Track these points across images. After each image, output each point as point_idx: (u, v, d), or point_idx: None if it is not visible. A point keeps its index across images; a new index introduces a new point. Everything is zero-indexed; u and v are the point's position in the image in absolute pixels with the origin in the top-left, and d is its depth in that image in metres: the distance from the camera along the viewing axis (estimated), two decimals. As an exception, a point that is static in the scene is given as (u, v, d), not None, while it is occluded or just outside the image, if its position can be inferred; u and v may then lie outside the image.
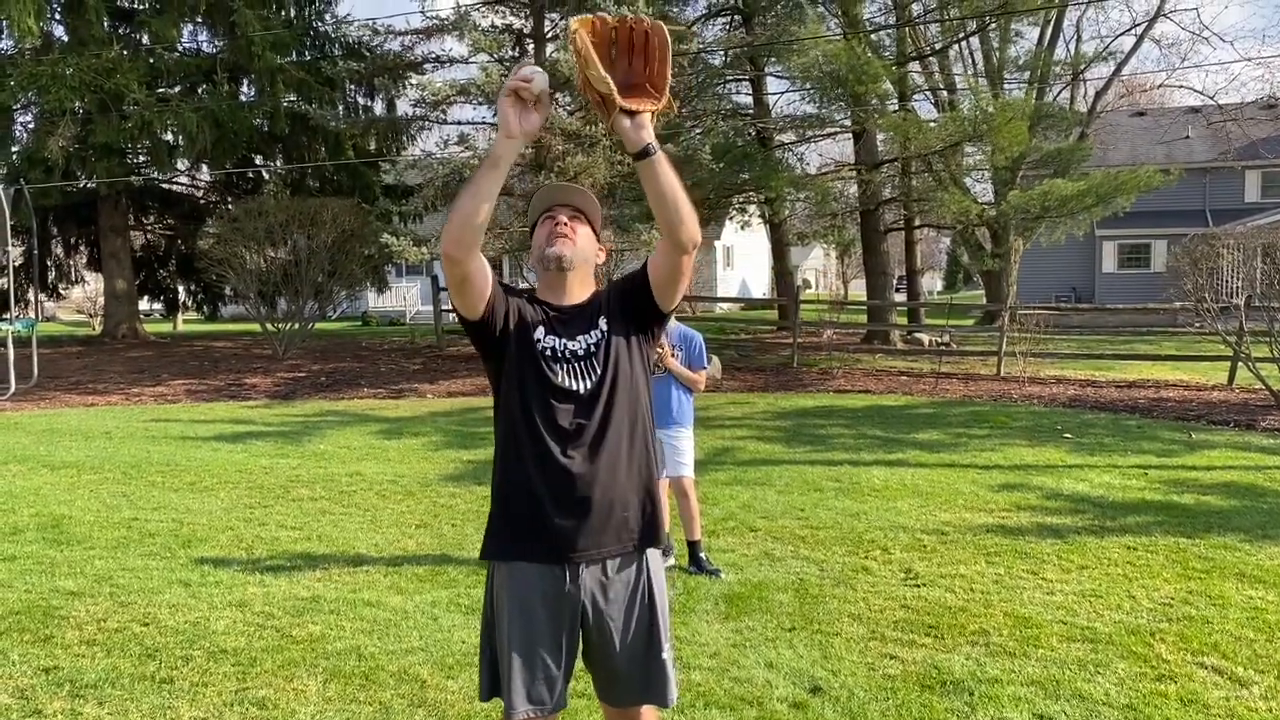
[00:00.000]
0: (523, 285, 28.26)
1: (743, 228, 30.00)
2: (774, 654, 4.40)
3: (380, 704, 3.92)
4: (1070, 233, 22.11)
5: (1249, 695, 3.96)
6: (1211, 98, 30.06)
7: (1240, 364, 14.30)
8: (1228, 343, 14.56)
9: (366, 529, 6.76)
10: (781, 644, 4.53)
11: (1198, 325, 15.57)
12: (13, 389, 15.00)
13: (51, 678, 4.20)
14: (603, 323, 2.56)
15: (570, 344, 2.53)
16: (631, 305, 2.57)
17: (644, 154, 2.31)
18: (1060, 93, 25.35)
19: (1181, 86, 46.52)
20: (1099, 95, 26.40)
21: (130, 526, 6.84)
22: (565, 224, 2.55)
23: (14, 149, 21.75)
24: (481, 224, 2.36)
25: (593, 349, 2.54)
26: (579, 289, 2.61)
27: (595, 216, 2.67)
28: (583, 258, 2.59)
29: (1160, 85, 34.08)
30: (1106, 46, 25.03)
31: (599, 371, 2.52)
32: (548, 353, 2.51)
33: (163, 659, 4.39)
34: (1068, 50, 25.83)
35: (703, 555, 5.74)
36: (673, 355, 5.68)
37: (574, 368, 2.51)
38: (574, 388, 2.49)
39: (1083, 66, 24.71)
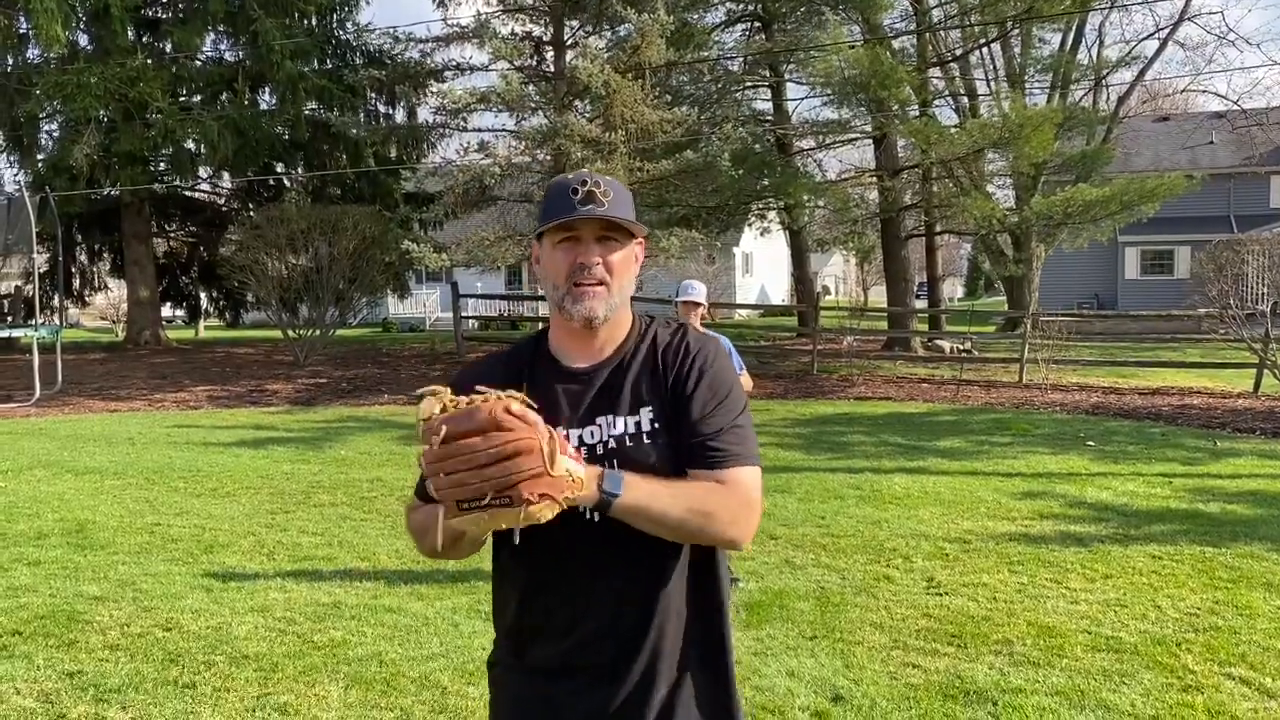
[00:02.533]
0: (541, 291, 28.34)
1: (762, 234, 29.92)
2: (795, 662, 4.38)
3: (401, 710, 3.92)
4: (1093, 239, 21.96)
5: (1277, 706, 3.90)
6: (1236, 102, 29.83)
7: (1266, 371, 14.15)
8: (1253, 350, 14.43)
9: (387, 535, 6.77)
10: (803, 652, 4.51)
11: (1222, 332, 15.44)
12: (37, 395, 15.13)
13: (75, 682, 4.22)
14: (644, 410, 1.77)
15: (585, 433, 1.75)
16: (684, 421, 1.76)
17: (603, 506, 1.59)
18: (1083, 98, 25.16)
19: (1205, 91, 46.20)
20: (1122, 100, 26.21)
21: (153, 532, 6.88)
22: (597, 266, 1.74)
23: (40, 157, 21.99)
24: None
25: (628, 442, 1.75)
26: (611, 334, 1.82)
27: (630, 214, 1.80)
28: (621, 301, 1.79)
29: (1184, 90, 33.79)
30: (1130, 50, 24.85)
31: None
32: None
33: (185, 664, 4.41)
34: (1090, 55, 25.67)
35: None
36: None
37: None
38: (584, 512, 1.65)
39: (1105, 71, 24.54)
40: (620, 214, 1.75)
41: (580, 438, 1.73)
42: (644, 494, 1.61)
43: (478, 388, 1.50)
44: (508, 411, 1.45)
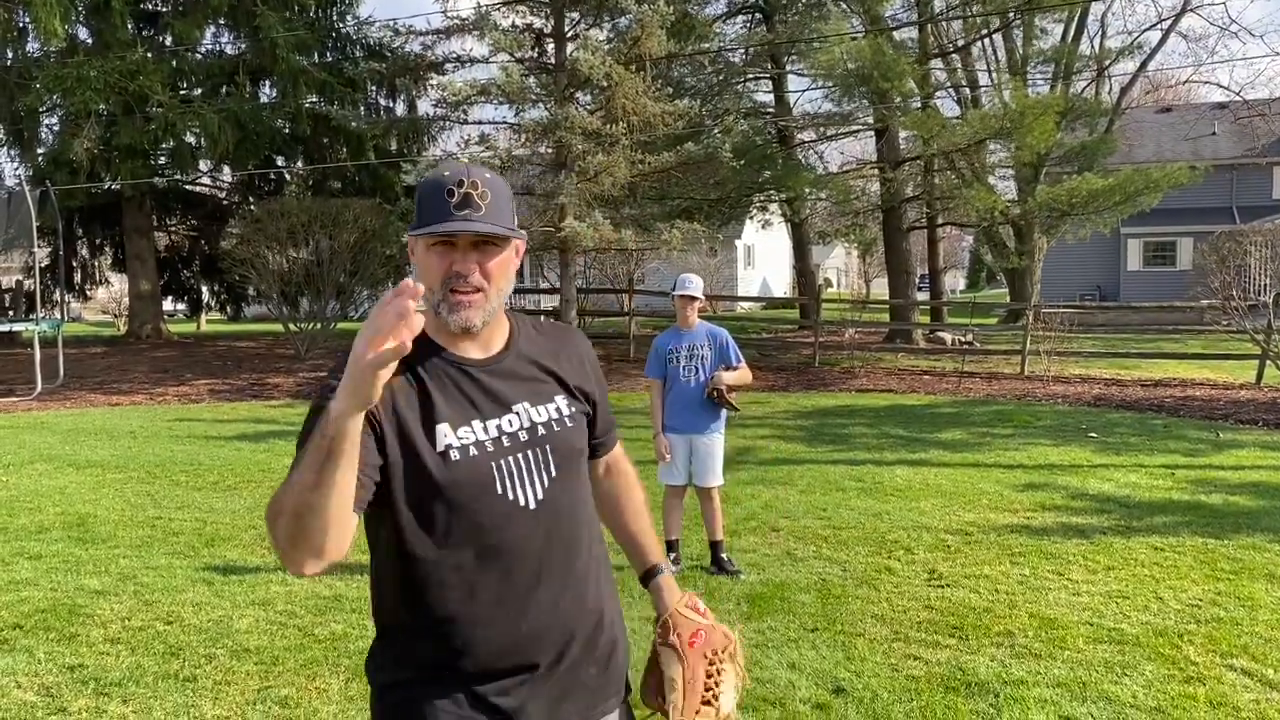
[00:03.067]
0: (543, 285, 28.21)
1: (763, 227, 29.89)
2: (796, 654, 4.37)
3: (402, 703, 3.91)
4: (1095, 230, 21.92)
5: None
6: (1238, 93, 29.80)
7: (1269, 362, 14.13)
8: (1256, 340, 14.41)
9: (388, 528, 6.76)
10: (804, 644, 4.50)
11: (1225, 323, 15.43)
12: (39, 389, 15.13)
13: (76, 675, 4.22)
14: (557, 398, 1.81)
15: (501, 423, 1.72)
16: (589, 412, 1.89)
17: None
18: (1085, 89, 25.10)
19: (1208, 82, 46.10)
20: (1124, 91, 26.16)
21: (154, 525, 6.88)
22: (474, 274, 1.67)
23: (40, 151, 21.96)
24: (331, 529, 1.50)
25: (555, 427, 1.78)
26: (493, 331, 1.77)
27: (509, 215, 1.72)
28: (498, 304, 1.74)
29: (1186, 81, 33.79)
30: (1133, 41, 24.76)
31: (553, 471, 1.75)
32: (467, 455, 1.67)
33: (186, 657, 4.41)
34: (1092, 46, 25.63)
35: (724, 555, 5.72)
36: (705, 361, 5.66)
37: (515, 465, 1.71)
38: (521, 500, 1.70)
39: (1108, 62, 24.46)
40: (499, 219, 1.68)
41: (499, 427, 1.71)
42: (656, 539, 2.03)
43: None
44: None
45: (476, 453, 1.68)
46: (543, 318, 1.67)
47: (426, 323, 1.55)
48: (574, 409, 1.82)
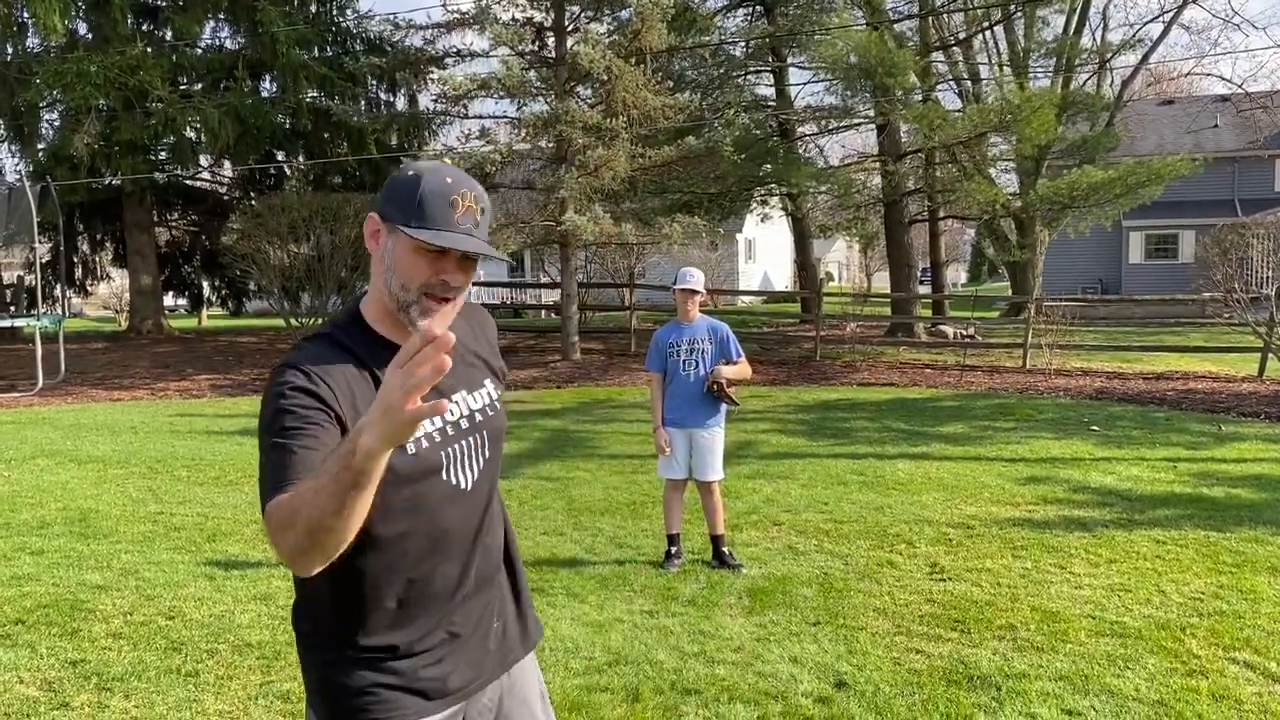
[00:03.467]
0: (544, 279, 28.10)
1: (763, 221, 29.85)
2: (798, 648, 4.37)
3: (404, 698, 3.91)
4: (1097, 223, 21.89)
5: (1283, 691, 3.89)
6: (1240, 85, 29.74)
7: (1271, 355, 14.12)
8: (1258, 334, 14.40)
9: (390, 523, 6.76)
10: (806, 638, 4.50)
11: (1227, 316, 15.41)
12: (40, 384, 15.14)
13: (79, 670, 4.22)
14: (485, 382, 1.91)
15: (451, 408, 1.80)
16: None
17: None
18: (1086, 81, 25.04)
19: (1210, 75, 45.99)
20: (1126, 84, 26.10)
21: (156, 521, 6.88)
22: (459, 287, 1.72)
23: (40, 146, 21.95)
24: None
25: (489, 413, 1.88)
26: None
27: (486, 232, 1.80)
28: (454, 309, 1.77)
29: (1188, 74, 33.63)
30: (1134, 34, 24.72)
31: (487, 454, 1.86)
32: (424, 443, 1.75)
33: (188, 652, 4.41)
34: (1094, 38, 25.57)
35: (726, 550, 5.71)
36: (706, 355, 5.66)
37: (457, 452, 1.80)
38: (459, 483, 1.80)
39: (1110, 54, 24.42)
40: (487, 237, 1.77)
41: (444, 417, 1.77)
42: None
43: None
44: None
45: (427, 444, 1.75)
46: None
47: (373, 313, 1.75)
48: (498, 392, 1.94)
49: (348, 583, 1.72)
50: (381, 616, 1.74)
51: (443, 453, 1.77)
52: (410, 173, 1.73)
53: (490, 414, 1.88)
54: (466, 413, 1.83)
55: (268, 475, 1.58)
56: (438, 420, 1.74)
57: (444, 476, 1.77)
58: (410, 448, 1.70)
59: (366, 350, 1.72)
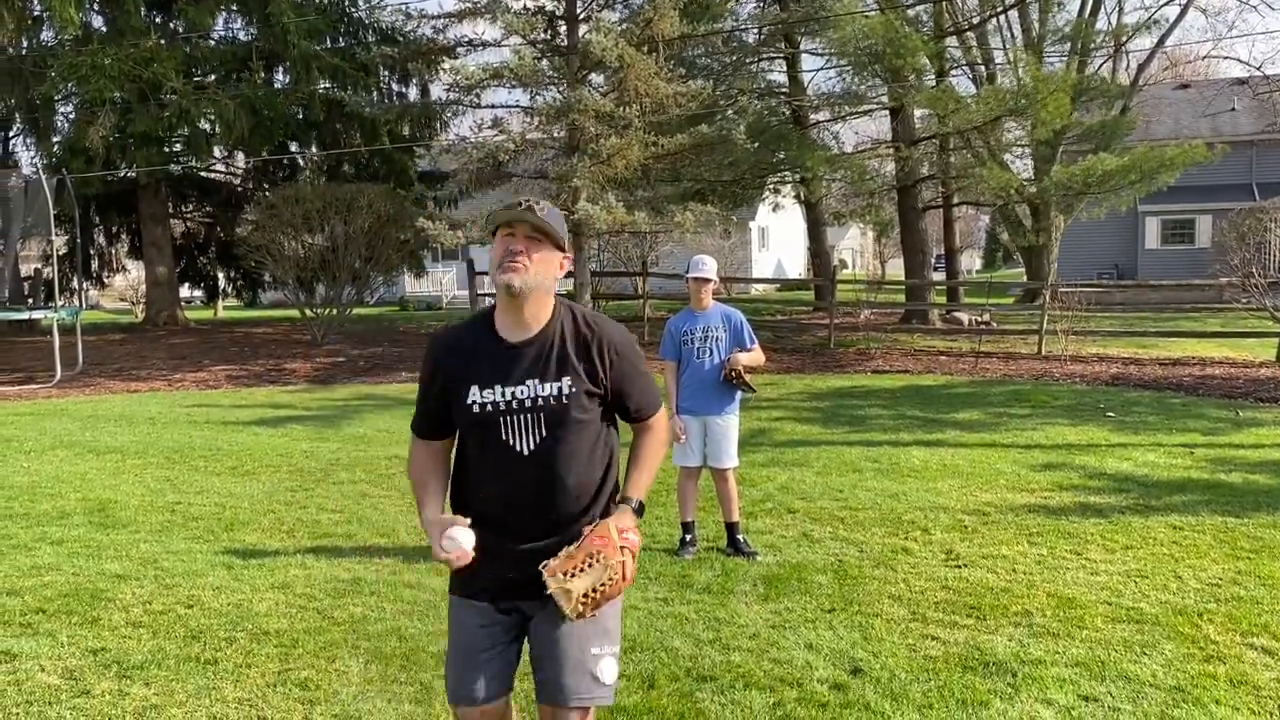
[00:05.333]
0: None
1: (775, 210, 29.75)
2: (814, 635, 4.38)
3: (421, 685, 3.94)
4: (1113, 209, 21.73)
5: (1301, 677, 3.88)
6: (1258, 68, 29.41)
7: (1289, 340, 14.01)
8: (1275, 318, 14.30)
9: (406, 512, 6.80)
10: (821, 625, 4.50)
11: (1244, 301, 15.30)
12: (58, 376, 15.25)
13: (99, 659, 4.26)
14: (563, 379, 2.47)
15: (514, 390, 2.46)
16: (605, 395, 2.54)
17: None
18: (1102, 65, 24.84)
19: (1227, 58, 45.54)
20: (1142, 68, 25.88)
21: (174, 510, 6.93)
22: (521, 252, 2.42)
23: (56, 139, 22.05)
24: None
25: (544, 401, 2.46)
26: (532, 312, 2.49)
27: (558, 234, 2.49)
28: (535, 284, 2.44)
29: (1205, 56, 33.38)
30: (1150, 16, 24.48)
31: (544, 430, 2.46)
32: (483, 409, 2.47)
33: (207, 640, 4.45)
34: (1109, 21, 25.34)
35: (740, 537, 5.72)
36: (720, 343, 5.65)
37: (515, 422, 2.46)
38: (516, 446, 2.46)
39: (1125, 38, 24.19)
40: (550, 229, 2.47)
41: (514, 393, 2.46)
42: (644, 490, 2.58)
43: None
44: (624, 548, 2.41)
45: (490, 409, 2.47)
46: (589, 309, 2.26)
47: (495, 309, 2.54)
48: (575, 389, 2.47)
49: (457, 487, 2.62)
50: (463, 499, 2.60)
51: (500, 419, 2.46)
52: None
53: (552, 402, 2.46)
54: (530, 395, 2.45)
55: (418, 411, 2.66)
56: (505, 394, 2.46)
57: (502, 437, 2.47)
58: (474, 408, 2.48)
59: (483, 331, 2.54)
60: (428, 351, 2.59)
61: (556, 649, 2.50)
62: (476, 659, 2.55)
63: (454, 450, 2.63)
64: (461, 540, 2.42)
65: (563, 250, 2.52)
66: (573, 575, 2.35)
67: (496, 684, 2.56)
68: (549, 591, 2.36)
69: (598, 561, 2.37)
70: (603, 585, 2.37)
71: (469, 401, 2.47)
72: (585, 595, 2.36)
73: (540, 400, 2.45)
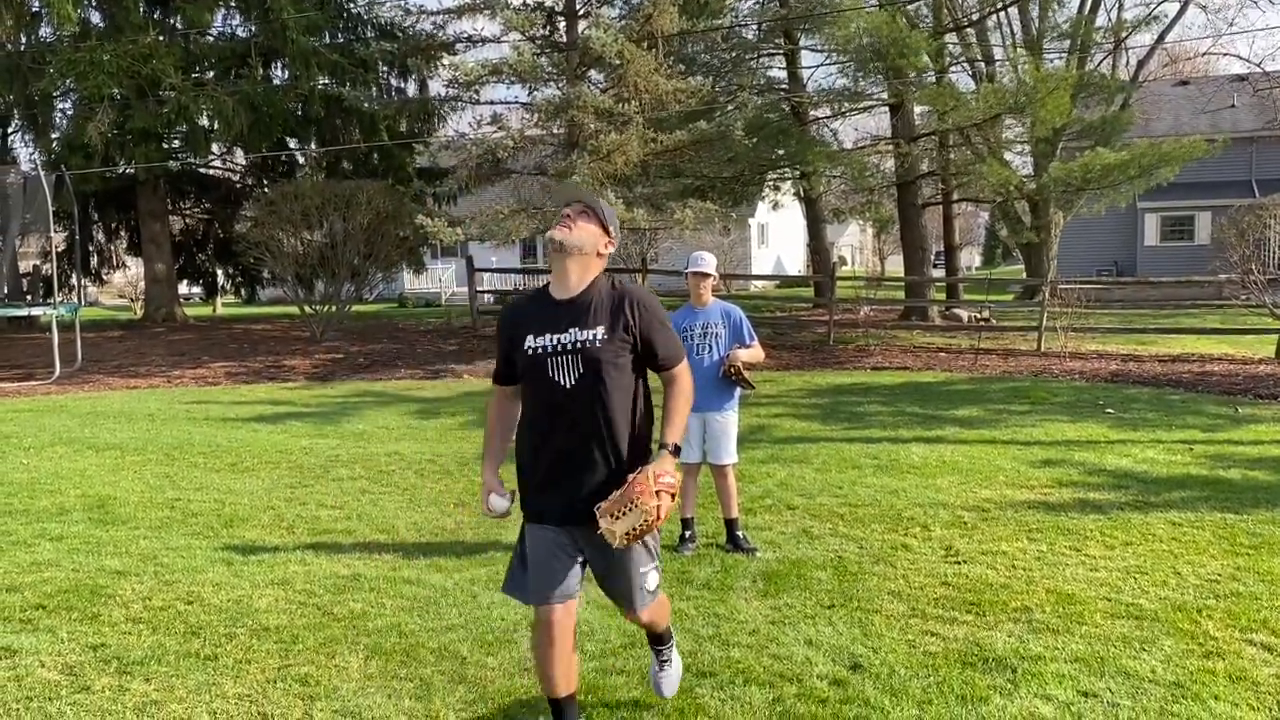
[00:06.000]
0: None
1: (775, 207, 29.73)
2: (813, 631, 4.38)
3: (421, 680, 3.94)
4: (1112, 205, 21.72)
5: (1300, 673, 3.88)
6: (1258, 65, 29.40)
7: (1288, 337, 14.01)
8: (1275, 315, 14.31)
9: (406, 508, 6.80)
10: (821, 621, 4.51)
11: (1244, 298, 15.30)
12: (57, 372, 15.25)
13: (99, 655, 4.27)
14: (598, 327, 3.12)
15: (560, 337, 3.11)
16: (634, 343, 3.16)
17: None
18: (1101, 62, 24.81)
19: (1226, 54, 45.47)
20: (1141, 64, 25.86)
21: (173, 507, 6.93)
22: (570, 217, 3.14)
23: (55, 136, 22.03)
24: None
25: (582, 344, 3.11)
26: (577, 275, 3.15)
27: (607, 218, 3.20)
28: (577, 244, 3.12)
29: (1205, 53, 33.40)
30: (1150, 12, 24.44)
31: (581, 368, 3.10)
32: (536, 352, 3.15)
33: (207, 636, 4.45)
34: (1109, 18, 25.28)
35: (740, 533, 5.72)
36: (719, 339, 5.66)
37: (560, 362, 3.11)
38: (561, 380, 3.11)
39: (1125, 34, 24.16)
40: (600, 210, 3.21)
41: (559, 339, 3.10)
42: (679, 434, 3.19)
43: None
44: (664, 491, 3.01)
45: (541, 351, 3.13)
46: (621, 279, 3.38)
47: (551, 279, 3.23)
48: (607, 337, 3.10)
49: (520, 425, 3.29)
50: (528, 449, 3.22)
51: (548, 360, 3.11)
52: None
53: (588, 345, 3.09)
54: (571, 340, 3.10)
55: (497, 363, 3.37)
56: (551, 340, 3.11)
57: (549, 374, 3.11)
58: (529, 351, 3.13)
59: (538, 297, 3.25)
60: (500, 317, 3.36)
61: (616, 571, 3.22)
62: (550, 567, 3.16)
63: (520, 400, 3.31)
64: (496, 506, 3.29)
65: (607, 231, 3.20)
66: (616, 518, 2.97)
67: (565, 587, 3.15)
68: (599, 531, 2.99)
69: (636, 506, 2.95)
70: (639, 525, 2.97)
71: (525, 347, 3.14)
72: (626, 534, 2.98)
73: (579, 344, 3.08)
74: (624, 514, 2.96)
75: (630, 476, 3.03)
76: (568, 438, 3.11)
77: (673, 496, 3.00)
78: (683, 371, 3.25)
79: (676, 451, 3.12)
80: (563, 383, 3.09)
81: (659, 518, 2.97)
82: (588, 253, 3.14)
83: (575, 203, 3.18)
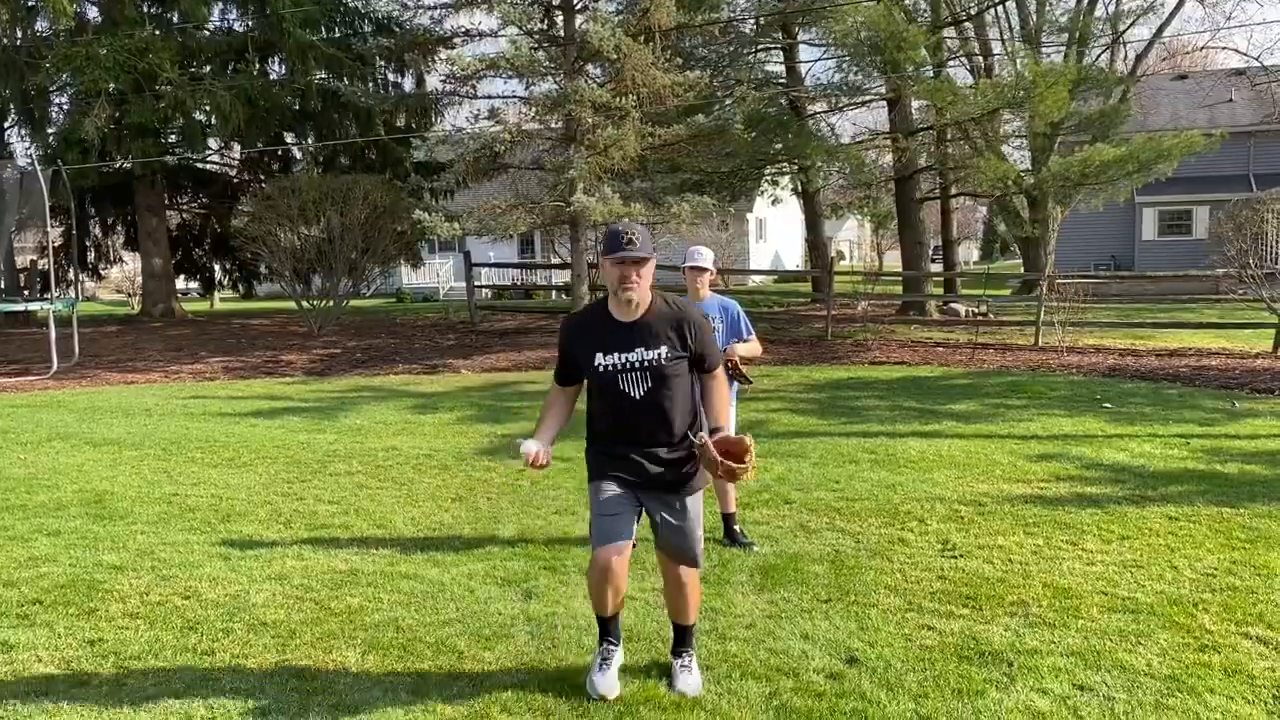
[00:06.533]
0: (555, 259, 28.08)
1: (773, 204, 29.70)
2: (810, 625, 4.39)
3: (418, 675, 3.95)
4: (1110, 200, 21.71)
5: (1295, 666, 3.89)
6: (1256, 59, 29.38)
7: (1285, 331, 14.02)
8: (1272, 309, 14.32)
9: (403, 503, 6.80)
10: (817, 615, 4.51)
11: (1241, 292, 15.32)
12: (55, 367, 15.23)
13: (96, 650, 4.27)
14: (662, 347, 3.65)
15: (628, 356, 3.65)
16: (687, 355, 3.71)
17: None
18: (1100, 56, 24.78)
19: (1225, 48, 45.43)
20: (1140, 58, 25.83)
21: (171, 502, 6.93)
22: (632, 277, 3.59)
23: (51, 130, 21.99)
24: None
25: (649, 363, 3.65)
26: (639, 303, 3.66)
27: (652, 253, 3.65)
28: (645, 292, 3.65)
29: (1203, 47, 33.33)
30: (1149, 6, 24.41)
31: (650, 382, 3.66)
32: (606, 369, 3.68)
33: (204, 631, 4.45)
34: (1107, 11, 25.27)
35: (737, 528, 5.73)
36: (717, 333, 5.65)
37: (629, 378, 3.66)
38: (631, 393, 3.67)
39: (1124, 27, 24.13)
40: (644, 249, 3.59)
41: (628, 358, 3.64)
42: (726, 419, 3.78)
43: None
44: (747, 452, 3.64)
45: (612, 368, 3.66)
46: (672, 296, 3.93)
47: (608, 300, 3.73)
48: (670, 354, 3.65)
49: (592, 417, 3.83)
50: (601, 433, 3.80)
51: (618, 376, 3.65)
52: (611, 229, 3.63)
53: (654, 363, 3.63)
54: (639, 359, 3.63)
55: (558, 368, 3.88)
56: (621, 358, 3.64)
57: (620, 387, 3.66)
58: (600, 368, 3.66)
59: (601, 317, 3.73)
60: (563, 330, 3.86)
61: (680, 530, 3.75)
62: (614, 516, 3.68)
63: (586, 396, 3.86)
64: (527, 446, 3.69)
65: (652, 258, 3.66)
66: (743, 464, 3.58)
67: (625, 533, 3.68)
68: (733, 467, 3.57)
69: (747, 462, 3.61)
70: (744, 472, 3.60)
71: (596, 364, 3.66)
72: (733, 469, 3.55)
73: (647, 362, 3.63)
74: (745, 465, 3.59)
75: (735, 436, 3.70)
76: (634, 434, 3.69)
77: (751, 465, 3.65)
78: (721, 371, 3.85)
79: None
80: (632, 394, 3.65)
81: (748, 474, 3.66)
82: (649, 289, 3.69)
83: (628, 244, 3.55)
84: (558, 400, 3.88)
